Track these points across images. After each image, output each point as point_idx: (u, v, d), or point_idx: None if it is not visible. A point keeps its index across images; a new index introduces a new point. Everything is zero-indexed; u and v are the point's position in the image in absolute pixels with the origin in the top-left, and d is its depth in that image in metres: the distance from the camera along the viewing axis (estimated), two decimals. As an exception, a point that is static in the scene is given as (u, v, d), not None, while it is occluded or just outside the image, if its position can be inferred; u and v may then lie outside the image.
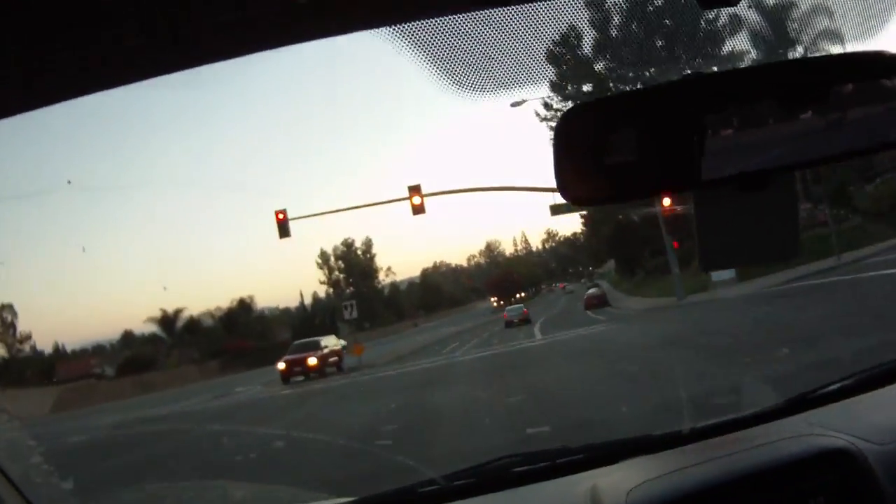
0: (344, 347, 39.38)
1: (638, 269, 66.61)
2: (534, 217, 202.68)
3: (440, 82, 1.92)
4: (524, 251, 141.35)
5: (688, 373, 13.35)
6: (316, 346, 37.29)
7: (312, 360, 34.97)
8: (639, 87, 1.95)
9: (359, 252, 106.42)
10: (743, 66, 1.88)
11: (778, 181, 1.81)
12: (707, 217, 1.92)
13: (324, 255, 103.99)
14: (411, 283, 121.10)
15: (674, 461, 2.59)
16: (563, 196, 1.72)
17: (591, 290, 61.53)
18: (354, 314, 45.42)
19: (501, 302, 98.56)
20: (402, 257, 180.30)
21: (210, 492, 7.78)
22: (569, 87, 34.81)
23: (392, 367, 33.82)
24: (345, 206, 46.19)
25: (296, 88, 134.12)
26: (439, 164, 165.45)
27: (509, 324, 53.39)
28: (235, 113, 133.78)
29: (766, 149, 1.72)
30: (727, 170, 1.70)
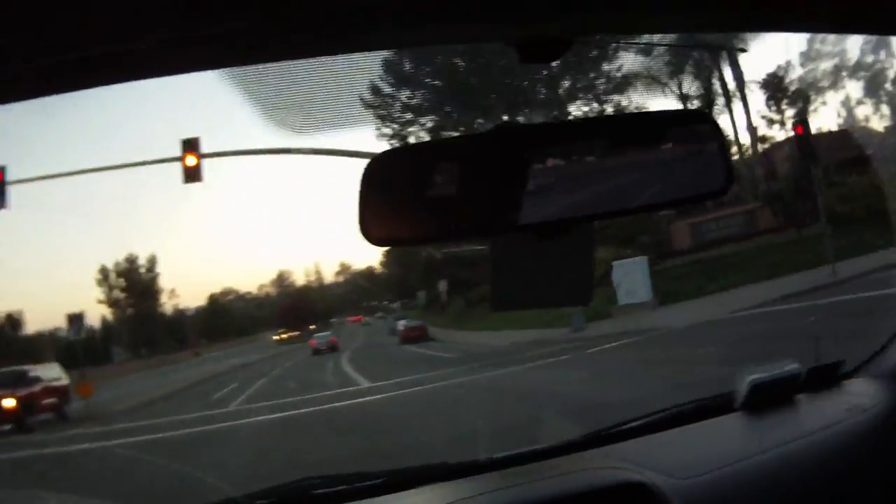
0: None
1: (453, 301, 62.36)
2: (328, 248, 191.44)
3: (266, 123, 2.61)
4: (317, 283, 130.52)
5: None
6: (19, 381, 24.35)
7: (8, 403, 22.76)
8: (450, 135, 1.23)
9: (142, 270, 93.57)
10: (551, 121, 3.32)
11: (576, 230, 1.81)
12: (502, 260, 1.92)
13: (104, 272, 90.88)
14: (199, 310, 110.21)
15: (469, 488, 2.65)
16: (365, 237, 1.72)
17: (410, 322, 53.56)
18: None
19: (291, 333, 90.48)
20: (189, 280, 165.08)
21: None
22: (387, 132, 35.01)
23: (126, 419, 23.12)
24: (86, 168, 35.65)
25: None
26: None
27: (317, 351, 52.27)
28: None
29: (567, 199, 1.74)
30: (527, 218, 1.72)
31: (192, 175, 24.42)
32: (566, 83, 37.69)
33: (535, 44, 1.68)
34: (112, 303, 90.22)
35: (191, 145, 24.45)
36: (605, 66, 37.57)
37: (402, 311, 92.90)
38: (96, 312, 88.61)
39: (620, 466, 2.60)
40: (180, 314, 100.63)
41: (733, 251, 35.61)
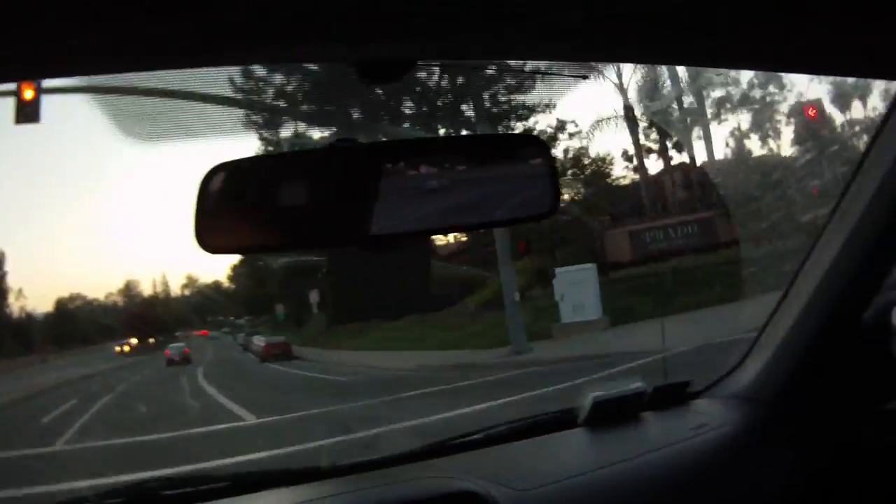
0: None
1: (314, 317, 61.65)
2: (175, 260, 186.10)
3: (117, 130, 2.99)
4: (164, 294, 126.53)
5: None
6: None
7: None
8: (291, 149, 1.04)
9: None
10: (388, 139, 2.46)
11: (411, 244, 1.88)
12: (338, 273, 1.57)
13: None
14: (47, 315, 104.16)
15: (310, 493, 2.72)
16: (200, 244, 1.74)
17: (271, 339, 51.58)
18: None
19: (135, 345, 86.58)
20: (37, 281, 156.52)
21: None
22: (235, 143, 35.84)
23: None
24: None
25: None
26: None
27: (171, 362, 50.53)
28: None
29: (401, 214, 1.81)
30: (362, 231, 1.79)
31: (29, 114, 20.80)
32: (406, 103, 37.96)
33: (375, 64, 1.72)
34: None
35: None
36: (448, 89, 37.85)
37: (250, 326, 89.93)
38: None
39: (457, 476, 2.65)
40: (28, 317, 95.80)
41: (690, 265, 31.30)
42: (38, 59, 1.45)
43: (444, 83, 37.10)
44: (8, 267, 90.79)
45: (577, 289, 27.88)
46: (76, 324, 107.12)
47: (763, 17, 1.49)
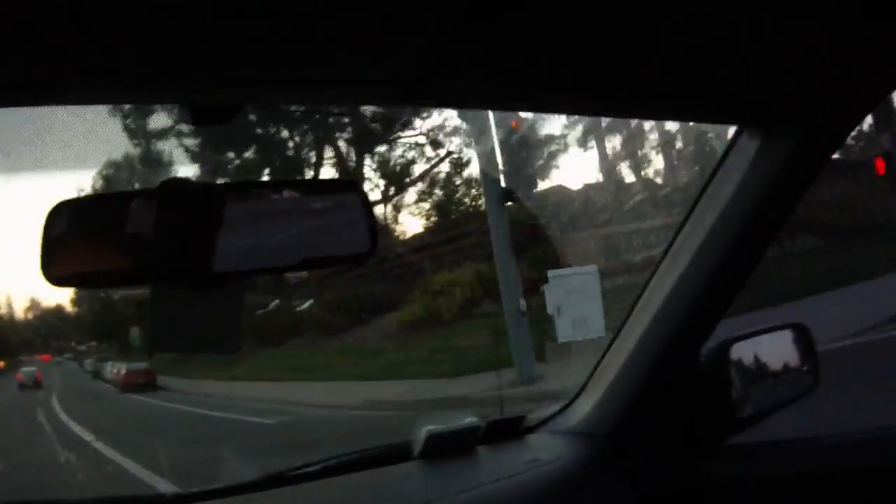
0: None
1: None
2: (17, 282, 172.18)
3: None
4: (7, 317, 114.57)
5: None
6: None
7: None
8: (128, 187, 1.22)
9: None
10: (217, 180, 1.52)
11: (229, 283, 1.90)
12: (158, 306, 1.94)
13: None
14: None
15: None
16: (46, 279, 1.75)
17: (133, 366, 42.65)
18: None
19: None
20: None
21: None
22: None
23: None
24: None
25: None
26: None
27: (22, 386, 45.81)
28: None
29: (222, 253, 1.80)
30: (184, 268, 1.79)
31: None
32: (233, 147, 39.07)
33: (207, 108, 1.78)
34: None
35: None
36: (276, 132, 39.83)
37: (92, 352, 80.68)
38: None
39: None
40: None
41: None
42: None
43: (273, 127, 38.89)
44: None
45: (577, 298, 20.39)
46: None
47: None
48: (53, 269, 1.77)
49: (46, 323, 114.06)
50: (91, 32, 1.31)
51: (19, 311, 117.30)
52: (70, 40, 1.31)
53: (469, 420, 2.99)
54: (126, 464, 14.88)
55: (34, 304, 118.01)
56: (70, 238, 1.82)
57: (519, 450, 3.00)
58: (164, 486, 11.52)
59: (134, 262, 1.83)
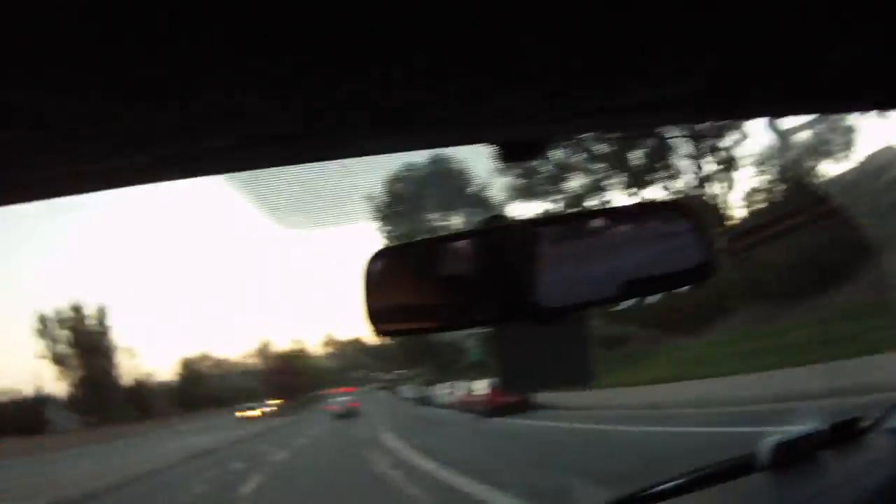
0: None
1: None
2: (312, 320, 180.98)
3: (270, 221, 2.07)
4: (302, 353, 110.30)
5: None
6: None
7: None
8: (445, 230, 2.05)
9: (90, 322, 72.24)
10: (543, 212, 2.01)
11: (572, 316, 1.87)
12: (505, 347, 1.91)
13: (43, 321, 70.62)
14: (169, 376, 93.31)
15: None
16: (370, 327, 1.81)
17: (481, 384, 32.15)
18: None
19: (279, 401, 76.35)
20: (156, 342, 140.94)
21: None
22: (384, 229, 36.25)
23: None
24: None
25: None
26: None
27: (339, 416, 48.97)
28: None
29: (561, 288, 1.79)
30: (525, 306, 1.76)
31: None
32: (548, 180, 37.74)
33: (516, 145, 1.77)
34: (57, 359, 69.94)
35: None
36: (584, 163, 38.54)
37: (401, 379, 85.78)
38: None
39: None
40: (144, 379, 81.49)
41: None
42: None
43: (581, 156, 37.60)
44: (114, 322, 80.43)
45: None
46: (205, 385, 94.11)
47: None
48: (378, 319, 1.79)
49: (346, 356, 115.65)
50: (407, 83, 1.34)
51: (315, 348, 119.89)
52: (385, 93, 1.35)
53: (812, 425, 2.89)
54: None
55: (330, 340, 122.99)
56: (392, 285, 1.82)
57: (858, 452, 2.90)
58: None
59: (462, 305, 1.81)
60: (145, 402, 76.19)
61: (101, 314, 72.47)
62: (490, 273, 1.76)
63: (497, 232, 1.81)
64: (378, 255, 1.83)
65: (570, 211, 9.63)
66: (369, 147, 1.68)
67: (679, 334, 30.67)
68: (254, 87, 1.28)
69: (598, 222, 1.96)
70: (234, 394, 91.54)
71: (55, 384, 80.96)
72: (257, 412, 68.36)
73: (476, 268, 1.80)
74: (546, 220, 1.98)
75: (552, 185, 38.04)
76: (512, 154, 1.77)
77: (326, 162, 1.73)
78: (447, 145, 1.92)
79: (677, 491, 2.87)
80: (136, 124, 1.33)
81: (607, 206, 18.63)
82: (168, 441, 46.64)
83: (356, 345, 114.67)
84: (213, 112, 1.32)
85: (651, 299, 28.42)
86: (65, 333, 69.83)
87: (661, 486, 2.90)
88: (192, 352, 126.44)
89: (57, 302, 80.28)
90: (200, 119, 1.34)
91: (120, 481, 25.45)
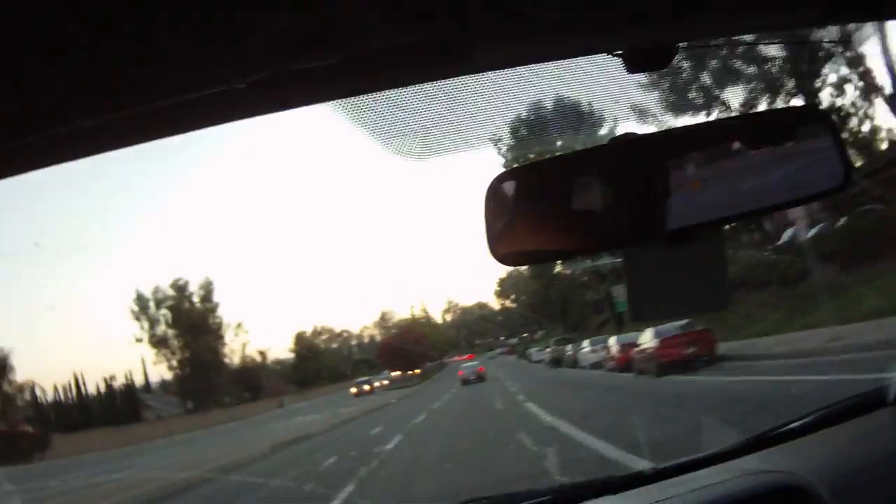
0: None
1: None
2: (432, 287, 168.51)
3: (384, 150, 2.02)
4: (424, 320, 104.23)
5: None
6: None
7: None
8: (568, 150, 1.87)
9: (195, 299, 67.04)
10: (669, 127, 1.94)
11: (705, 235, 1.80)
12: (636, 271, 1.87)
13: (141, 301, 65.13)
14: (285, 353, 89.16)
15: (635, 500, 2.69)
16: (493, 255, 1.74)
17: (682, 326, 23.52)
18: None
19: (399, 372, 69.38)
20: (266, 317, 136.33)
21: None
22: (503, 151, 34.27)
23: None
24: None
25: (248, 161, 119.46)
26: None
27: (466, 381, 46.16)
28: (190, 184, 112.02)
29: (691, 204, 1.74)
30: (656, 226, 1.71)
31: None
32: (675, 89, 32.27)
33: (641, 52, 1.71)
34: (157, 342, 64.86)
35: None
36: (713, 70, 34.25)
37: (525, 342, 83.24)
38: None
39: (776, 470, 2.59)
40: (255, 357, 77.18)
41: None
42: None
43: (708, 65, 34.01)
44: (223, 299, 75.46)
45: None
46: (321, 360, 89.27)
47: None
48: (502, 248, 1.72)
49: (468, 321, 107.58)
50: None
51: (436, 315, 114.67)
52: None
53: None
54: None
55: (451, 306, 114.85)
56: (516, 210, 1.75)
57: None
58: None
59: (590, 228, 1.74)
60: (256, 381, 71.21)
61: (207, 290, 67.31)
62: (618, 192, 1.70)
63: (623, 148, 1.73)
64: (500, 178, 1.75)
65: (698, 122, 5.11)
66: (486, 62, 1.62)
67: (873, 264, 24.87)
68: None
69: (727, 133, 1.87)
70: (353, 367, 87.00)
71: (156, 368, 76.33)
72: (368, 387, 62.04)
73: (603, 187, 1.73)
74: (674, 133, 1.87)
75: (680, 98, 34.96)
76: (637, 63, 1.70)
77: (441, 81, 1.70)
78: (569, 56, 1.86)
79: (805, 429, 2.80)
80: (229, 45, 1.30)
81: (736, 115, 17.48)
82: (265, 426, 43.41)
83: (479, 310, 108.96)
84: (314, 24, 1.27)
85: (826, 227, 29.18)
86: (164, 313, 64.60)
87: (787, 426, 2.84)
88: (309, 326, 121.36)
89: (158, 280, 75.33)
90: (299, 34, 1.28)
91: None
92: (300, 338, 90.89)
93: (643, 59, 1.71)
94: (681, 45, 1.74)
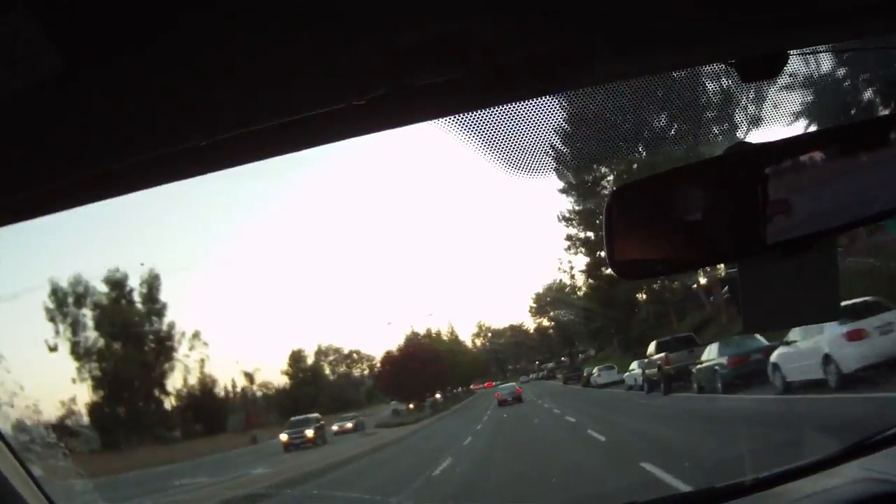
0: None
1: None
2: (463, 310, 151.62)
3: (495, 166, 1.98)
4: (452, 342, 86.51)
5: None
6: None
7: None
8: (684, 162, 1.86)
9: (136, 296, 49.57)
10: (782, 137, 1.85)
11: (819, 244, 1.78)
12: (750, 281, 1.86)
13: (57, 295, 46.48)
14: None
15: None
16: (615, 272, 1.76)
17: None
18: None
19: (410, 405, 55.75)
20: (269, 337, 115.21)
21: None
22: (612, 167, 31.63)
23: None
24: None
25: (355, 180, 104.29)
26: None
27: (503, 402, 43.95)
28: (299, 202, 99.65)
29: (806, 213, 1.72)
30: (772, 235, 1.70)
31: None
32: (787, 98, 6.82)
33: (754, 61, 1.72)
34: (80, 352, 46.55)
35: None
36: (826, 77, 20.08)
37: (562, 367, 74.79)
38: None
39: (877, 478, 2.50)
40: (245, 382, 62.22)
41: None
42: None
43: (816, 73, 9.54)
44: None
45: None
46: (320, 385, 73.25)
47: None
48: (621, 258, 1.72)
49: (497, 347, 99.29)
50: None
51: (466, 339, 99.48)
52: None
53: None
54: None
55: (482, 330, 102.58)
56: (634, 223, 1.73)
57: None
58: None
59: (708, 240, 1.72)
60: (216, 409, 53.29)
61: (151, 286, 49.34)
62: (734, 203, 1.68)
63: (738, 159, 1.72)
64: (620, 191, 1.79)
65: (809, 132, 1.98)
66: (603, 74, 1.63)
67: None
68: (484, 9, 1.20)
69: (839, 140, 1.82)
70: (367, 396, 71.93)
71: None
72: (310, 433, 43.04)
73: (718, 199, 1.70)
74: (787, 143, 1.79)
75: (794, 107, 19.01)
76: (750, 72, 1.72)
77: (546, 97, 1.70)
78: (684, 67, 1.94)
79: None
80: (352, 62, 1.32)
81: (847, 123, 4.69)
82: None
83: (511, 332, 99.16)
84: (435, 41, 1.27)
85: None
86: (88, 313, 46.25)
87: (885, 433, 2.72)
88: (313, 344, 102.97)
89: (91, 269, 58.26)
90: (419, 50, 1.28)
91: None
92: (297, 357, 73.62)
93: (755, 67, 1.72)
94: (791, 52, 1.72)
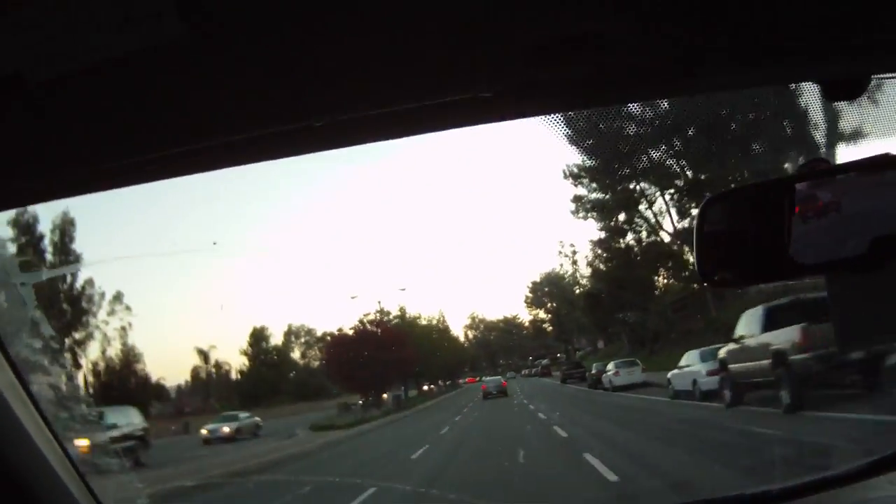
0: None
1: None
2: (455, 298, 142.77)
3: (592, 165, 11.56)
4: (441, 332, 75.43)
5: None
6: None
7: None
8: (774, 175, 1.90)
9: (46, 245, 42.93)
10: (863, 157, 1.82)
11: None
12: (840, 295, 1.86)
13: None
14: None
15: None
16: (704, 280, 1.77)
17: None
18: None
19: (360, 401, 43.39)
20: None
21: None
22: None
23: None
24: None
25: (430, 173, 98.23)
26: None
27: (487, 395, 42.50)
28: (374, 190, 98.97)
29: (886, 230, 1.69)
30: (854, 250, 1.69)
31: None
32: (866, 119, 5.70)
33: (839, 81, 1.70)
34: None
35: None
36: None
37: (557, 363, 70.24)
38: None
39: None
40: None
41: None
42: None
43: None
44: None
45: None
46: (284, 370, 66.76)
47: None
48: (709, 266, 1.75)
49: (489, 340, 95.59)
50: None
51: (457, 330, 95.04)
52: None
53: None
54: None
55: (475, 321, 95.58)
56: (723, 233, 1.75)
57: None
58: None
59: (795, 252, 1.70)
60: (130, 392, 44.85)
61: (62, 231, 40.65)
62: (821, 217, 1.69)
63: (823, 175, 1.73)
64: (711, 201, 1.79)
65: (889, 154, 1.57)
66: (705, 85, 1.65)
67: None
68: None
69: None
70: (324, 385, 60.78)
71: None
72: (227, 430, 33.72)
73: (804, 212, 1.69)
74: (864, 161, 1.77)
75: (873, 128, 5.92)
76: (834, 91, 1.69)
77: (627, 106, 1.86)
78: (768, 83, 1.98)
79: None
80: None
81: None
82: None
83: (504, 325, 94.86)
84: (562, 36, 1.28)
85: None
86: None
87: None
88: (284, 324, 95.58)
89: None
90: (547, 45, 1.29)
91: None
92: (259, 336, 65.21)
93: (840, 87, 1.69)
94: (875, 76, 1.72)
